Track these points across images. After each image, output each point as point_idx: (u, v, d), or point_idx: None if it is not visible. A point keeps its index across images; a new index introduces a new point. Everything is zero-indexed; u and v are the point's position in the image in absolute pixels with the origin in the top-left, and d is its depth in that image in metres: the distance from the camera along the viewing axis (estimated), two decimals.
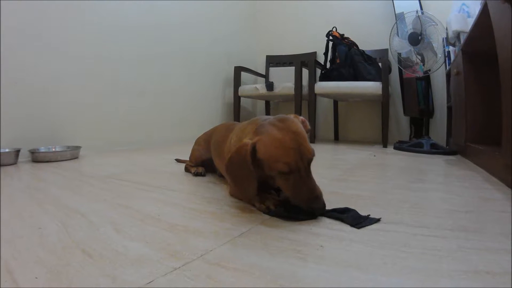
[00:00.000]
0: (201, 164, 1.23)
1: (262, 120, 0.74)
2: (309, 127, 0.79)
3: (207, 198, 0.87)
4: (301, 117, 0.78)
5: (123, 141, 2.09)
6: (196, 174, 1.18)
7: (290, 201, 0.70)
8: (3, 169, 1.32)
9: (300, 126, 0.72)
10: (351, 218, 0.67)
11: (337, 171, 1.31)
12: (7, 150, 1.45)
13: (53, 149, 1.66)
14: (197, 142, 1.29)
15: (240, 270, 0.45)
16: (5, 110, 1.49)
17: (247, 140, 0.70)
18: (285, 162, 0.65)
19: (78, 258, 0.49)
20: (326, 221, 0.66)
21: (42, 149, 1.62)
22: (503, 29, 1.03)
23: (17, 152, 1.48)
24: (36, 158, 1.53)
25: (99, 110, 1.95)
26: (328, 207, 0.76)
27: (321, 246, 0.54)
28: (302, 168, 0.66)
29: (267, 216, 0.70)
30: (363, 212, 0.70)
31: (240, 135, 0.80)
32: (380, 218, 0.68)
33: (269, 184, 0.78)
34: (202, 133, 1.31)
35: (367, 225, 0.64)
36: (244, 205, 0.79)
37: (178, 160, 1.52)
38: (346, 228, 0.62)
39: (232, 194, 0.87)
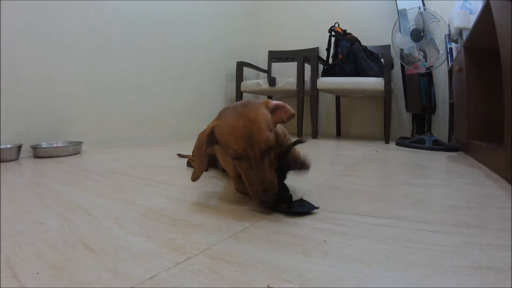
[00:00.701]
0: None
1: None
2: (292, 111, 0.75)
3: (210, 193, 0.87)
4: (276, 102, 0.75)
5: (125, 136, 2.09)
6: None
7: (292, 196, 0.70)
8: (5, 165, 1.33)
9: (262, 113, 0.69)
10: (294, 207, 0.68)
11: (339, 166, 1.31)
12: (8, 146, 1.45)
13: (55, 145, 1.66)
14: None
15: (243, 264, 0.45)
16: (6, 105, 1.49)
17: (210, 124, 0.73)
18: (234, 149, 0.66)
19: (80, 253, 0.49)
20: (329, 216, 0.66)
21: (44, 145, 1.62)
22: (505, 26, 1.02)
23: (19, 147, 1.48)
24: (38, 153, 1.53)
25: (101, 105, 1.94)
26: (329, 202, 0.76)
27: (324, 240, 0.54)
28: (252, 157, 0.65)
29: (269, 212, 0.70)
30: (366, 208, 0.70)
31: None
32: (319, 207, 0.70)
33: None
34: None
35: (302, 211, 0.67)
36: (247, 200, 0.79)
37: (180, 155, 1.52)
38: (349, 223, 0.62)
39: (237, 189, 0.87)
